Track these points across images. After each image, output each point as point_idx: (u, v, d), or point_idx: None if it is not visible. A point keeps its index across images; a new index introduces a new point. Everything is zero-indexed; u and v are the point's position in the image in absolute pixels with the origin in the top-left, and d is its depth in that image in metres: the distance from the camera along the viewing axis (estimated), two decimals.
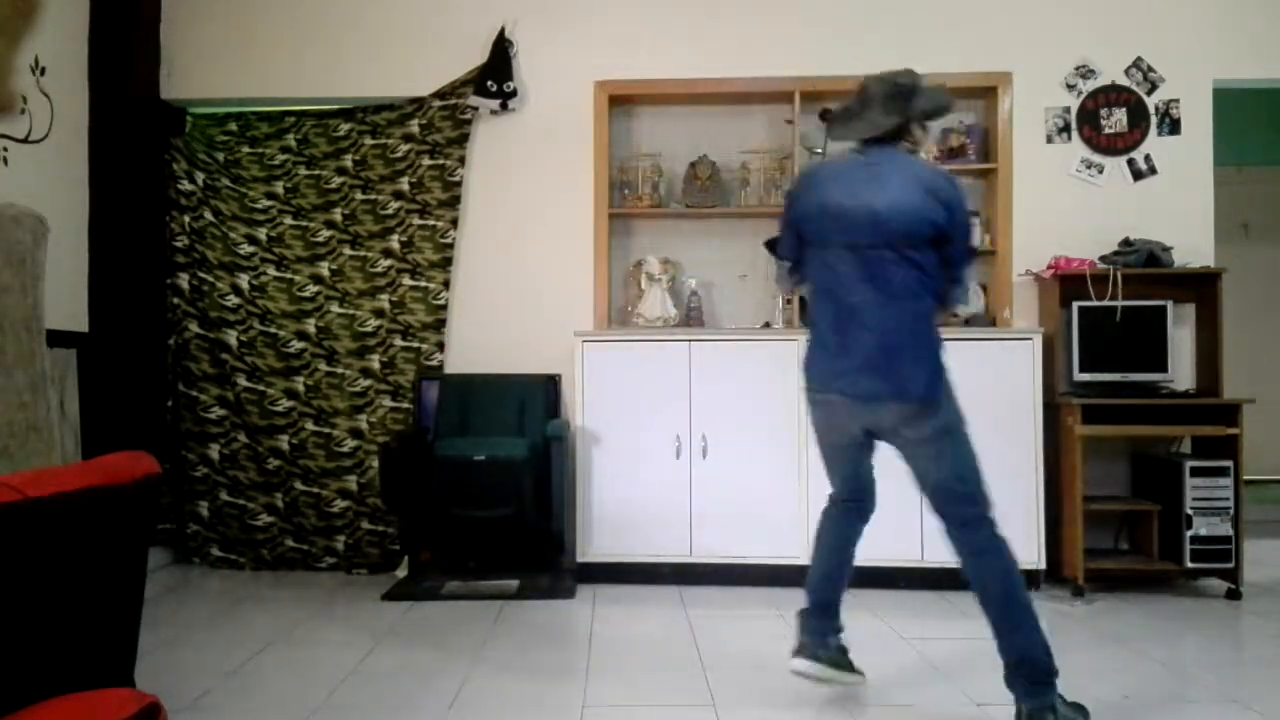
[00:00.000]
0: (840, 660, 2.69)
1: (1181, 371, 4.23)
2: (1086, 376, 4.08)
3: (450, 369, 4.45)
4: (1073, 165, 4.37)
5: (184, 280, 4.47)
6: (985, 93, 4.44)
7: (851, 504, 2.78)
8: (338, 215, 4.49)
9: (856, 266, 2.45)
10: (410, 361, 4.44)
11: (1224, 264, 4.19)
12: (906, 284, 2.42)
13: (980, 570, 2.43)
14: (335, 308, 4.46)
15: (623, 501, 4.03)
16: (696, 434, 4.01)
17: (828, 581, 2.75)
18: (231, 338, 4.45)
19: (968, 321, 4.25)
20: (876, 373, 2.44)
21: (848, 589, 2.79)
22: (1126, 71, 4.36)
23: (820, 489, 3.99)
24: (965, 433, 2.51)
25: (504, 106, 4.42)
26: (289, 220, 4.51)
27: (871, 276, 2.44)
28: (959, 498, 2.47)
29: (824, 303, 2.55)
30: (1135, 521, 4.17)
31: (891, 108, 2.52)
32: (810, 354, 2.63)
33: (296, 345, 4.45)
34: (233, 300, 4.46)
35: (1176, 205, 4.32)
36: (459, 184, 4.47)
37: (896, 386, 2.42)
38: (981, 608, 2.41)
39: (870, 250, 2.44)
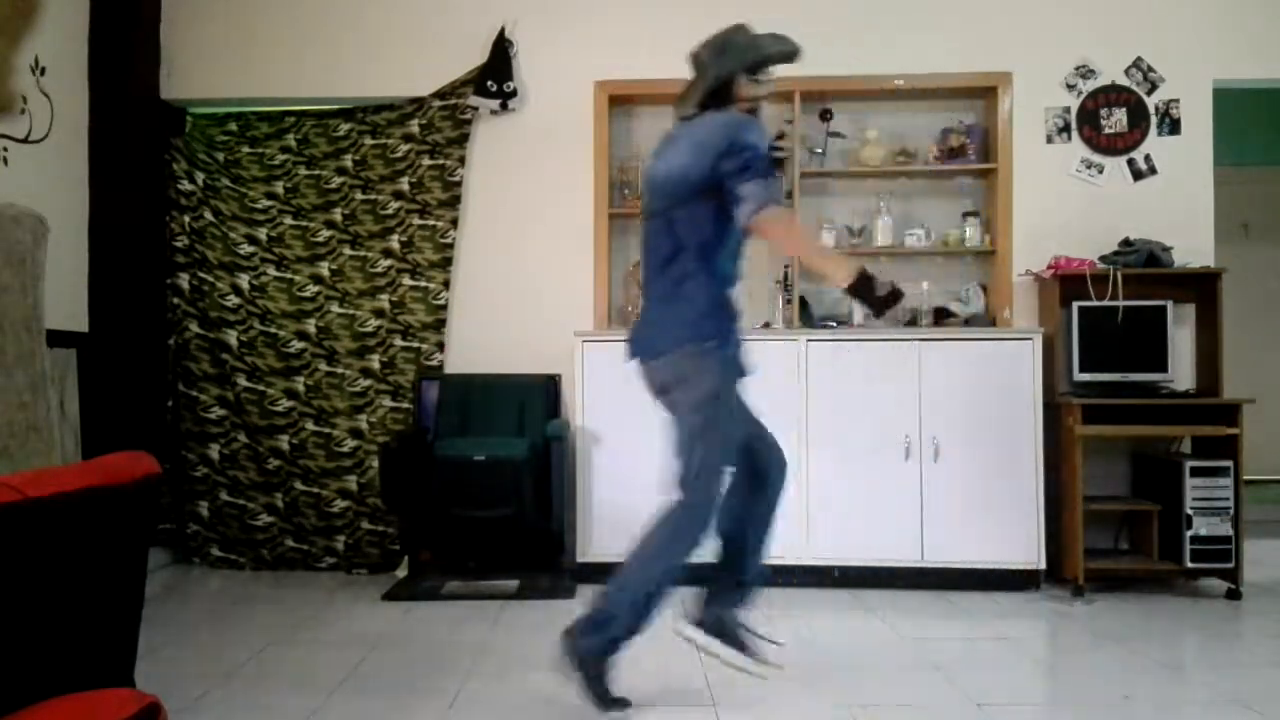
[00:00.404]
0: (732, 638, 2.63)
1: (1181, 371, 4.23)
2: (1086, 376, 4.08)
3: (450, 369, 4.45)
4: (1073, 165, 4.37)
5: (184, 280, 4.47)
6: (985, 93, 4.43)
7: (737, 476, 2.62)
8: (338, 215, 4.49)
9: (644, 236, 2.59)
10: (410, 361, 4.44)
11: (1224, 264, 4.18)
12: (669, 247, 2.47)
13: (651, 529, 2.47)
14: (335, 308, 4.46)
15: (623, 501, 4.02)
16: None
17: (719, 563, 2.68)
18: (232, 338, 4.45)
19: (968, 321, 4.26)
20: (639, 335, 2.56)
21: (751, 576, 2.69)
22: (1126, 71, 4.36)
23: (819, 489, 4.01)
24: (709, 423, 2.44)
25: (504, 106, 4.42)
26: (289, 220, 4.50)
27: (648, 244, 2.55)
28: (677, 479, 2.49)
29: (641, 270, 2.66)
30: (1135, 521, 4.17)
31: (713, 67, 2.55)
32: None
33: (296, 345, 4.45)
34: (233, 300, 4.46)
35: (1176, 205, 4.32)
36: (459, 184, 4.47)
37: (645, 347, 2.52)
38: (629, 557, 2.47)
39: (649, 219, 2.56)
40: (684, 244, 2.45)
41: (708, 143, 2.43)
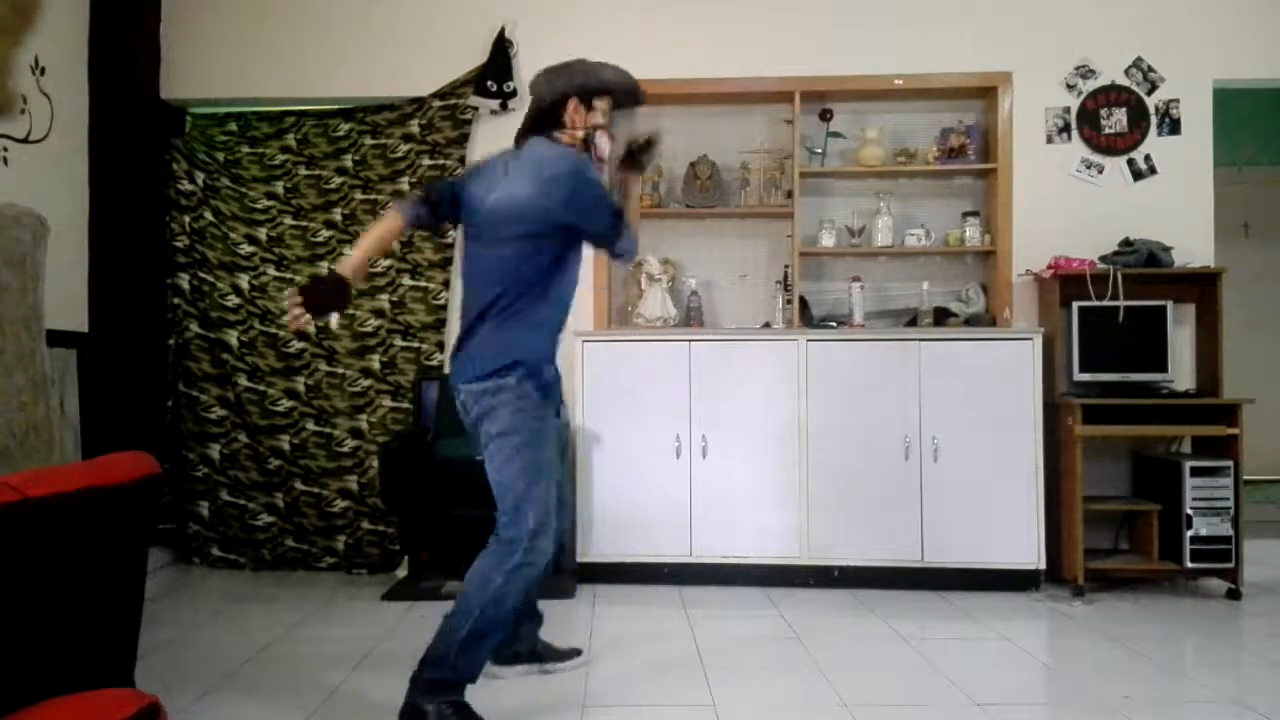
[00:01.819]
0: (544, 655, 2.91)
1: (1181, 371, 4.23)
2: (1086, 376, 4.08)
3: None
4: (1073, 165, 4.37)
5: (184, 280, 4.47)
6: (985, 93, 4.43)
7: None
8: (338, 215, 4.49)
9: (472, 260, 2.54)
10: (410, 361, 4.44)
11: (1224, 264, 4.19)
12: (494, 274, 2.45)
13: (473, 570, 2.43)
14: None
15: (623, 501, 4.02)
16: (696, 434, 4.01)
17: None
18: (232, 338, 4.45)
19: (968, 321, 4.26)
20: (456, 359, 2.52)
21: None
22: (1126, 71, 4.36)
23: (819, 489, 4.01)
24: (520, 447, 2.44)
25: (504, 106, 4.42)
26: (289, 220, 4.51)
27: (474, 269, 2.52)
28: (501, 507, 2.48)
29: (463, 295, 2.59)
30: (1135, 521, 4.17)
31: (546, 88, 2.52)
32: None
33: (296, 345, 4.45)
34: (233, 300, 4.46)
35: (1176, 205, 4.32)
36: None
37: (462, 370, 2.47)
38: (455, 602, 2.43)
39: (479, 244, 2.52)
40: (507, 275, 2.43)
41: (550, 178, 2.40)
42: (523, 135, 2.59)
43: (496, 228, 2.45)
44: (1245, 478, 3.86)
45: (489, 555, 2.43)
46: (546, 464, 2.48)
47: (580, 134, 2.54)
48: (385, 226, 2.56)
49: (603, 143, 2.57)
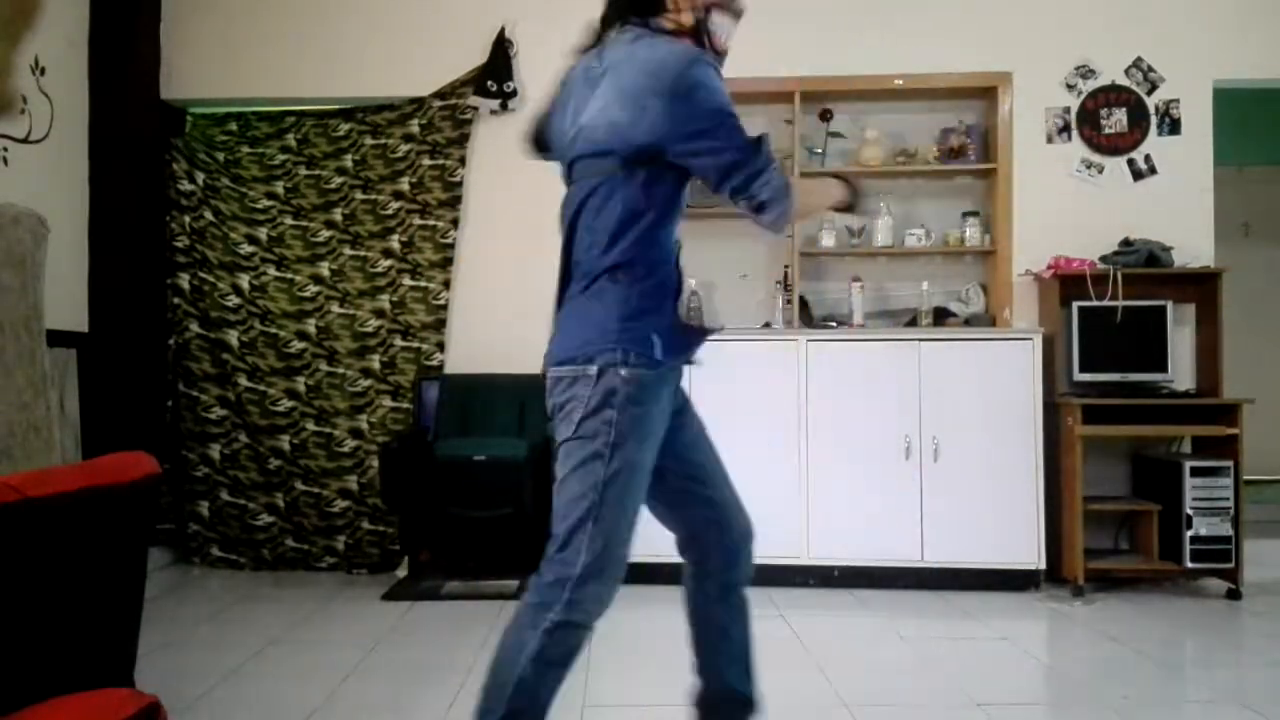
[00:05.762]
0: None
1: (1181, 371, 4.23)
2: (1086, 376, 4.08)
3: (450, 369, 4.44)
4: (1073, 165, 4.37)
5: (184, 280, 4.47)
6: (985, 93, 4.43)
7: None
8: (338, 215, 4.49)
9: (569, 202, 1.91)
10: (410, 361, 4.44)
11: (1224, 264, 4.18)
12: (609, 221, 1.82)
13: None
14: (335, 308, 4.46)
15: None
16: None
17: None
18: (232, 338, 4.45)
19: (968, 321, 4.26)
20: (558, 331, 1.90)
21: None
22: (1126, 71, 4.36)
23: (819, 489, 4.00)
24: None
25: (504, 106, 4.42)
26: (289, 220, 4.50)
27: (575, 214, 1.88)
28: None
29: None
30: (1135, 521, 4.17)
31: None
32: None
33: (297, 345, 4.45)
34: (233, 300, 4.46)
35: (1176, 205, 4.31)
36: (459, 184, 4.47)
37: (556, 347, 1.88)
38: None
39: (574, 181, 1.91)
40: (622, 220, 1.84)
41: (662, 86, 1.77)
42: (606, 27, 1.89)
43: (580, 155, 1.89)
44: (1245, 478, 3.86)
45: None
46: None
47: (688, 18, 1.86)
48: None
49: (720, 27, 1.90)
